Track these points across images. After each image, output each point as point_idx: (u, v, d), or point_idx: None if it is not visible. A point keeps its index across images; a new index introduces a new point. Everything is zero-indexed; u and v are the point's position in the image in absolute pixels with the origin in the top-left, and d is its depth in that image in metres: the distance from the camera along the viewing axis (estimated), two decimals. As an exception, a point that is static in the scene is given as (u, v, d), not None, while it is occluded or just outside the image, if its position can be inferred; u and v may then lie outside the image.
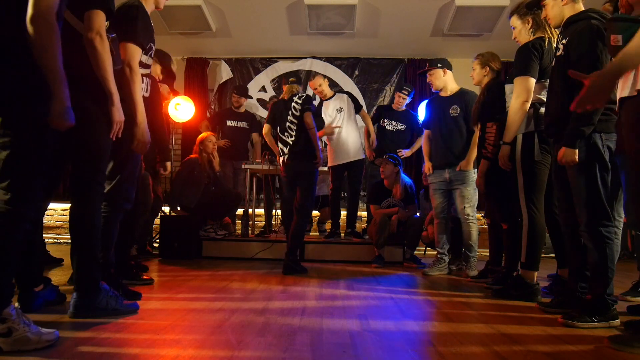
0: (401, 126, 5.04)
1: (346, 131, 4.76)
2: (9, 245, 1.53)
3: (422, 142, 5.11)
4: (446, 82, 3.77)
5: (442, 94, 3.82)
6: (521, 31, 2.84)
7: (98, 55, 1.90)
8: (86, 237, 2.02)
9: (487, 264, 3.51)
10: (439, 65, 3.75)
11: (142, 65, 2.42)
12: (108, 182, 2.31)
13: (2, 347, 1.49)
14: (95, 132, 2.00)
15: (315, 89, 4.80)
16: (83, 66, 1.93)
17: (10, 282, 1.56)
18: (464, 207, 3.70)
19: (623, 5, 1.87)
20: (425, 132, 3.96)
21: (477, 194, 3.71)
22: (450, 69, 3.81)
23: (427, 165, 3.92)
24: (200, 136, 4.95)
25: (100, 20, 1.92)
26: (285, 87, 4.04)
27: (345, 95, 4.88)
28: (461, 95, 3.74)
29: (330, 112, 4.82)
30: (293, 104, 3.78)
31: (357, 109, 4.87)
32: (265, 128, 4.09)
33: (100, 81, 1.97)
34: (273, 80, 6.44)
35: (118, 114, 1.97)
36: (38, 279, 2.20)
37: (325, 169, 4.98)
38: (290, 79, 4.07)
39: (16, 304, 1.58)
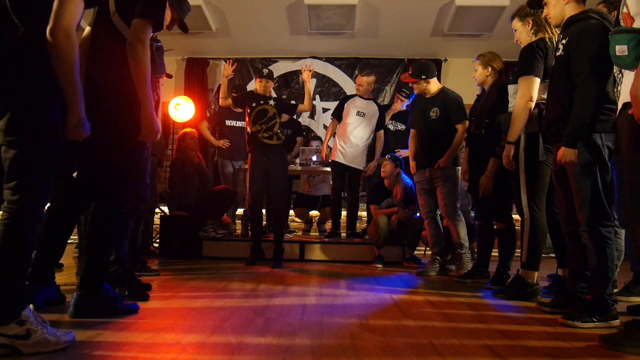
0: (401, 126, 5.05)
1: (356, 137, 4.75)
2: (20, 246, 1.52)
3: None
4: (427, 88, 3.73)
5: (425, 95, 3.78)
6: (522, 33, 2.84)
7: (137, 62, 1.92)
8: (104, 237, 2.03)
9: (475, 265, 3.50)
10: (423, 77, 3.69)
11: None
12: None
13: (21, 350, 1.47)
14: (126, 136, 2.01)
15: (360, 85, 4.78)
16: (115, 73, 1.96)
17: (24, 283, 1.55)
18: (445, 204, 3.66)
19: (625, 19, 1.89)
20: (412, 131, 3.94)
21: (457, 191, 3.70)
22: (434, 75, 3.75)
23: (411, 165, 3.92)
24: (179, 133, 4.96)
25: (146, 29, 1.94)
26: (260, 84, 4.19)
27: (376, 107, 4.86)
28: (442, 97, 3.71)
29: (352, 108, 4.81)
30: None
31: (379, 127, 4.86)
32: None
33: (131, 88, 1.99)
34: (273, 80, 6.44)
35: (148, 122, 1.96)
36: (50, 279, 2.21)
37: (327, 169, 4.98)
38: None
39: (31, 306, 1.57)
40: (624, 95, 1.91)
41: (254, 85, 6.29)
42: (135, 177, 2.10)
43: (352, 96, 4.93)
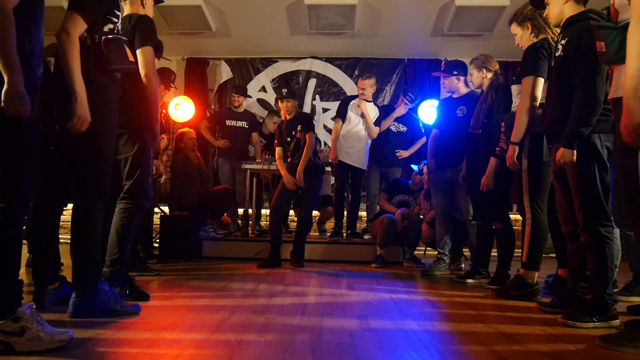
0: (403, 127, 5.07)
1: (360, 138, 4.78)
2: (6, 243, 1.53)
3: (421, 142, 5.18)
4: (458, 85, 3.76)
5: (454, 95, 3.82)
6: (522, 37, 2.84)
7: (61, 53, 1.93)
8: (85, 237, 2.03)
9: (475, 265, 3.50)
10: (455, 73, 3.72)
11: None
12: (127, 182, 2.41)
13: (14, 346, 1.48)
14: (95, 133, 2.01)
15: (363, 89, 4.80)
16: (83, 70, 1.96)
17: (16, 280, 1.56)
18: (468, 207, 3.70)
19: (613, 13, 1.90)
20: (434, 131, 3.96)
21: None
22: (466, 74, 3.77)
23: (429, 163, 3.92)
24: (177, 133, 4.96)
25: (73, 21, 1.95)
26: (281, 105, 4.21)
27: (376, 110, 4.91)
28: (470, 97, 3.73)
29: (355, 110, 4.83)
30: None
31: (376, 124, 4.89)
32: (279, 151, 4.28)
33: (99, 85, 2.02)
34: (273, 80, 6.44)
35: (80, 110, 1.92)
36: (54, 277, 2.22)
37: (327, 168, 4.98)
38: (284, 92, 4.20)
39: (31, 303, 1.58)
40: (614, 91, 1.90)
41: (253, 84, 6.36)
42: (104, 172, 2.09)
43: (353, 97, 4.95)
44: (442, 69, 3.85)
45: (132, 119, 2.40)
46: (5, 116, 1.53)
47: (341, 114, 4.92)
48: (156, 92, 2.40)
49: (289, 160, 4.20)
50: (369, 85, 4.79)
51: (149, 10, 2.58)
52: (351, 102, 4.89)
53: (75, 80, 1.94)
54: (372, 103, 4.91)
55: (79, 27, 1.97)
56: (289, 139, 4.20)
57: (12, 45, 1.53)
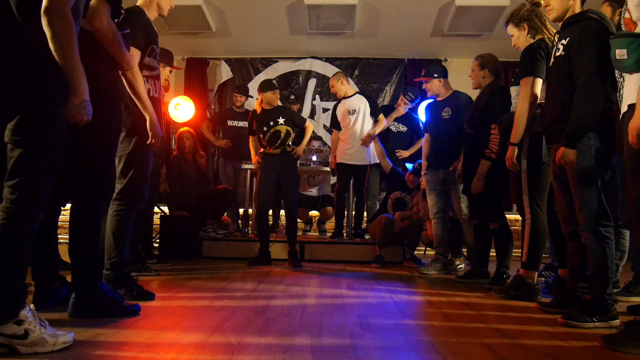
0: (403, 127, 5.06)
1: (357, 133, 4.74)
2: (17, 246, 1.52)
3: (422, 142, 5.18)
4: (440, 89, 3.81)
5: (438, 98, 3.87)
6: (519, 38, 2.84)
7: (107, 41, 1.96)
8: (84, 237, 2.03)
9: (475, 265, 3.50)
10: (435, 75, 3.78)
11: (146, 67, 2.46)
12: (120, 182, 2.40)
13: (19, 349, 1.48)
14: (99, 135, 2.01)
15: (332, 86, 4.83)
16: (90, 68, 1.95)
17: (23, 284, 1.56)
18: (461, 206, 3.71)
19: (627, 24, 1.90)
20: (426, 135, 4.00)
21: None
22: (446, 76, 3.84)
23: (423, 165, 3.96)
24: (177, 133, 4.97)
25: (103, 9, 1.92)
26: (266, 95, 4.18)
27: (364, 99, 4.84)
28: (453, 98, 3.78)
29: (343, 111, 4.80)
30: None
31: (374, 113, 4.80)
32: (253, 139, 4.36)
33: (107, 85, 2.03)
34: (273, 80, 6.44)
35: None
36: (54, 277, 2.21)
37: (327, 169, 4.98)
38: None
39: (31, 305, 1.58)
40: (626, 97, 1.91)
41: (253, 84, 6.35)
42: (105, 174, 2.08)
43: (338, 102, 4.91)
44: (422, 74, 3.89)
45: (131, 118, 2.39)
46: (46, 120, 1.53)
47: (335, 125, 4.91)
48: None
49: (265, 150, 4.18)
50: (336, 80, 4.78)
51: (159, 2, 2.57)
52: (337, 108, 4.87)
53: (126, 57, 2.04)
54: (356, 94, 4.85)
55: (108, 15, 1.95)
56: (265, 129, 4.15)
57: (75, 53, 1.53)
